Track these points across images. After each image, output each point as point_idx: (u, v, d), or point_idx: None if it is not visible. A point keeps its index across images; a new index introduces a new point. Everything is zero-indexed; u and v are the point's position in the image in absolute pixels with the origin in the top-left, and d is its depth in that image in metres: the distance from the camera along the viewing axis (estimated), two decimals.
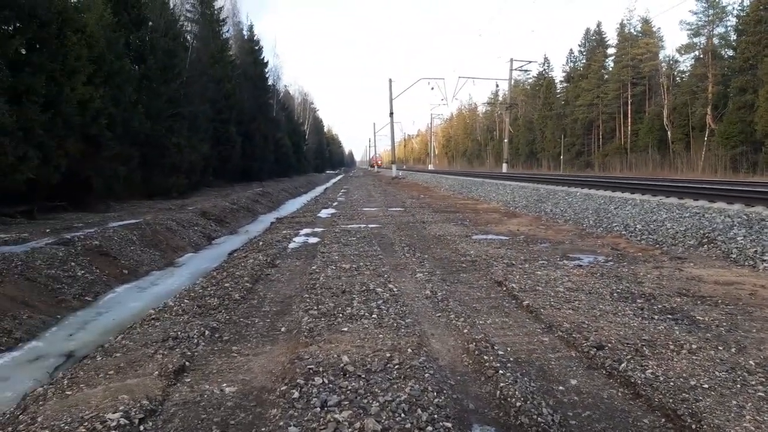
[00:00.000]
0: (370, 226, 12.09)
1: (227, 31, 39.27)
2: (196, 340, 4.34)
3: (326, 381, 3.41)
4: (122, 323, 6.54)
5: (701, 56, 50.96)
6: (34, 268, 8.50)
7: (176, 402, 3.28)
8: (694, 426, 2.87)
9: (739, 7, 47.24)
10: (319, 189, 40.99)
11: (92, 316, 7.67)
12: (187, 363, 3.86)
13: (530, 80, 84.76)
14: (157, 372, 3.62)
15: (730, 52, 48.11)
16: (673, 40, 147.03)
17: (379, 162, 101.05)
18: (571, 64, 74.74)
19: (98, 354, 4.24)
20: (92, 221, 13.43)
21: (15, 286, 7.78)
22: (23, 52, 13.88)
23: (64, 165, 14.20)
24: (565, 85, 76.61)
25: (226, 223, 17.92)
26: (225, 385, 3.52)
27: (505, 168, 44.72)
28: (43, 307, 7.54)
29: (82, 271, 9.16)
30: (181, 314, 5.22)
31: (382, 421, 2.91)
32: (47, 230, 11.54)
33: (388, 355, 3.85)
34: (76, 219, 13.77)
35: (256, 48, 46.55)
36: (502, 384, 3.38)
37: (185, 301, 5.75)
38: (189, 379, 3.63)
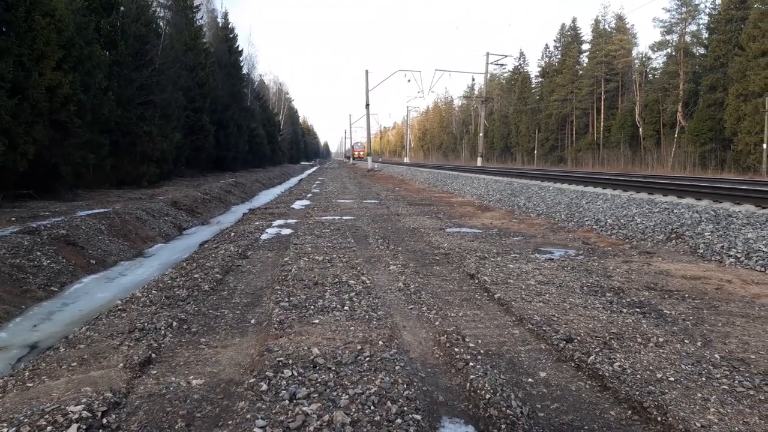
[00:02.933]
0: (345, 218, 12.04)
1: (201, 18, 38.59)
2: (163, 332, 4.25)
3: (296, 373, 3.37)
4: (88, 314, 6.41)
5: (673, 54, 51.88)
6: None
7: (141, 394, 3.21)
8: (659, 418, 2.91)
9: (711, 6, 48.19)
10: (294, 180, 40.73)
11: (58, 307, 7.50)
12: (153, 355, 3.79)
13: (506, 74, 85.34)
14: (122, 364, 3.54)
15: (702, 50, 49.08)
16: (646, 37, 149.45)
17: (361, 153, 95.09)
18: (547, 59, 75.41)
19: (62, 345, 4.12)
20: (60, 210, 13.12)
21: None
22: None
23: (32, 152, 13.81)
24: (540, 80, 77.31)
25: (198, 214, 17.69)
26: (192, 377, 3.45)
27: (479, 162, 44.95)
28: (6, 297, 7.33)
29: (48, 261, 8.95)
30: (148, 305, 5.11)
31: (351, 413, 2.89)
32: (12, 218, 11.24)
33: (359, 347, 3.82)
34: (43, 207, 13.44)
35: (231, 36, 45.88)
36: (472, 376, 3.38)
37: (153, 291, 5.63)
38: (155, 371, 3.56)
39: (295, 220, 11.72)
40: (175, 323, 4.46)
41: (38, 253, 9.09)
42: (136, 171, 21.84)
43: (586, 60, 67.54)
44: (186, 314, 4.76)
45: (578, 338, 4.07)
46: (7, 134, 12.85)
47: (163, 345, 4.02)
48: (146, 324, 4.40)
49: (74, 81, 15.76)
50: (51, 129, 14.83)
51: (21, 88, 13.57)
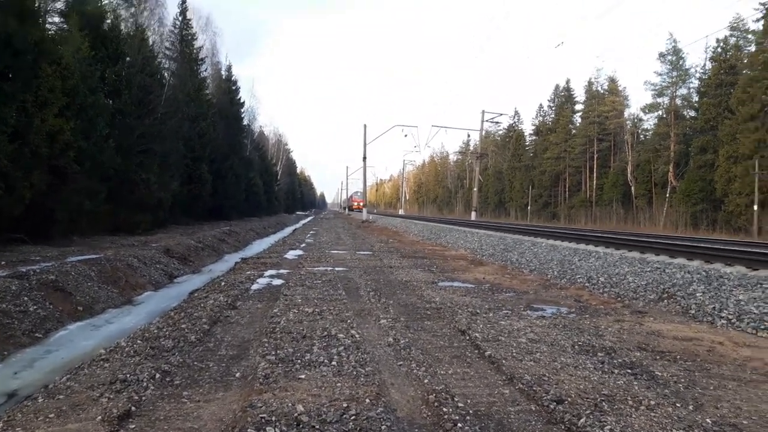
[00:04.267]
0: (337, 269, 11.99)
1: (205, 70, 39.48)
2: (145, 384, 4.15)
3: (278, 431, 3.28)
4: (71, 362, 6.29)
5: (664, 116, 53.11)
6: None
7: None
8: None
9: (702, 70, 49.70)
10: (288, 230, 40.72)
11: (41, 354, 7.37)
12: (133, 408, 3.68)
13: (501, 132, 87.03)
14: (100, 417, 3.44)
15: (692, 113, 50.32)
16: (638, 99, 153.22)
17: (361, 203, 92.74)
18: (541, 118, 77.14)
19: (40, 395, 4.01)
20: (51, 255, 13.04)
21: None
22: None
23: (29, 197, 13.84)
24: (534, 138, 78.79)
25: (190, 262, 17.60)
26: None
27: (473, 216, 45.19)
28: None
29: (35, 307, 8.84)
30: (132, 355, 5.01)
31: None
32: (2, 263, 11.15)
33: (345, 405, 3.74)
34: (35, 252, 13.34)
35: (233, 88, 46.84)
36: None
37: (138, 341, 5.53)
38: (134, 426, 3.45)
39: (287, 271, 11.66)
40: (158, 375, 4.36)
41: (25, 298, 8.99)
42: (132, 218, 21.85)
43: (579, 120, 69.06)
44: (170, 366, 4.66)
45: (569, 399, 3.99)
46: (5, 178, 12.91)
47: (144, 398, 3.92)
48: (128, 375, 4.30)
49: (76, 128, 15.98)
50: (49, 174, 14.92)
51: (22, 133, 13.73)
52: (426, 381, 4.39)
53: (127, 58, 22.21)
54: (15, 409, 3.74)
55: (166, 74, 29.23)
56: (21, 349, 7.46)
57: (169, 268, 15.55)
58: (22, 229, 14.65)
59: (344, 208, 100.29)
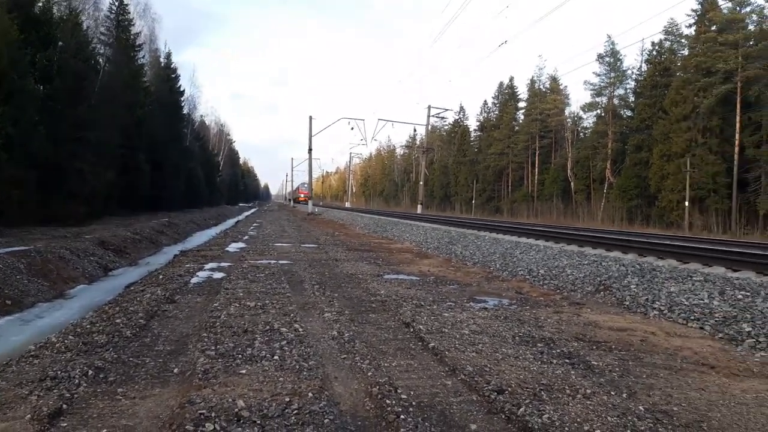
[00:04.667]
0: (281, 262, 11.82)
1: (143, 57, 38.15)
2: (77, 381, 3.96)
3: (218, 427, 3.18)
4: (1, 358, 5.95)
5: (603, 114, 55.05)
6: None
7: None
8: None
9: (638, 72, 51.75)
10: (231, 222, 39.94)
11: None
12: (64, 406, 3.50)
13: (446, 127, 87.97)
14: (29, 415, 3.26)
15: (629, 112, 52.39)
16: (578, 97, 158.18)
17: (306, 194, 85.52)
18: (485, 114, 78.51)
19: None
20: None
21: None
22: None
23: None
24: (478, 133, 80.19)
25: (126, 254, 17.02)
26: (105, 431, 3.20)
27: (419, 209, 45.59)
28: None
29: None
30: (63, 351, 4.77)
31: None
32: None
33: (287, 399, 3.68)
34: None
35: (173, 76, 45.47)
36: (402, 430, 3.31)
37: (70, 337, 5.26)
38: (65, 424, 3.28)
39: (229, 264, 11.41)
40: (91, 372, 4.17)
41: None
42: (65, 209, 20.89)
43: (522, 117, 70.70)
44: (104, 362, 4.46)
45: (509, 389, 4.06)
46: None
47: (76, 395, 3.73)
48: (59, 372, 4.09)
49: (3, 114, 15.11)
50: None
51: None
52: (370, 374, 4.38)
53: (60, 43, 21.17)
54: None
55: (101, 60, 28.03)
56: None
57: (104, 260, 14.99)
58: None
59: (289, 200, 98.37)
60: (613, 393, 4.09)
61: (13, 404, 3.49)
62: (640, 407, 3.80)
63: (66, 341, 5.09)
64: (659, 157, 41.57)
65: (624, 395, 4.05)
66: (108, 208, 26.80)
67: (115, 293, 9.45)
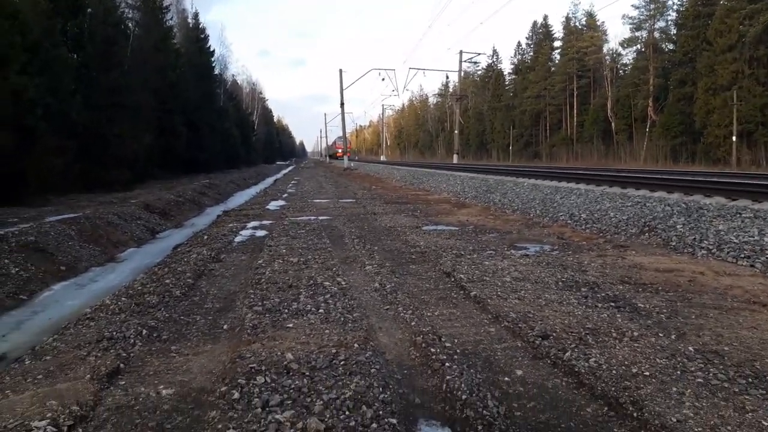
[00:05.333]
0: (321, 218, 11.94)
1: (171, 19, 38.06)
2: (132, 340, 4.13)
3: (269, 380, 3.29)
4: (58, 322, 6.22)
5: (643, 50, 52.72)
6: None
7: (109, 407, 3.09)
8: (635, 414, 2.90)
9: (679, 2, 49.08)
10: (269, 180, 40.36)
11: (27, 316, 7.30)
12: (122, 365, 3.67)
13: (480, 72, 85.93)
14: (89, 375, 3.42)
15: (671, 46, 49.97)
16: (616, 33, 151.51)
17: (342, 148, 79.12)
18: (519, 56, 76.11)
19: (27, 357, 3.97)
20: (28, 216, 12.78)
21: None
22: None
23: None
24: (513, 77, 77.96)
25: (171, 217, 17.40)
26: (162, 387, 3.35)
27: (455, 159, 45.12)
28: None
29: (17, 269, 8.71)
30: (117, 313, 4.97)
31: (326, 419, 2.83)
32: None
33: (333, 351, 3.76)
34: (11, 214, 13.06)
35: (202, 36, 45.34)
36: (448, 377, 3.35)
37: (123, 299, 5.48)
38: (123, 382, 3.44)
39: (270, 222, 11.59)
40: (144, 331, 4.34)
41: (6, 261, 8.84)
42: (108, 174, 21.40)
43: (558, 57, 68.32)
44: (156, 321, 4.63)
45: (554, 335, 4.05)
46: None
47: (132, 354, 3.90)
48: (115, 333, 4.27)
49: (41, 85, 15.40)
50: (17, 134, 14.45)
51: None
52: (413, 323, 4.43)
53: (89, 10, 21.23)
54: (2, 372, 3.70)
55: (130, 25, 28.09)
56: (6, 311, 7.38)
57: (150, 223, 15.37)
58: None
59: (325, 157, 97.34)
60: (661, 335, 4.04)
61: (73, 365, 3.67)
62: (690, 348, 3.75)
63: (119, 303, 5.30)
64: (704, 91, 39.77)
65: (672, 337, 4.00)
66: (149, 172, 27.36)
67: (163, 255, 9.73)
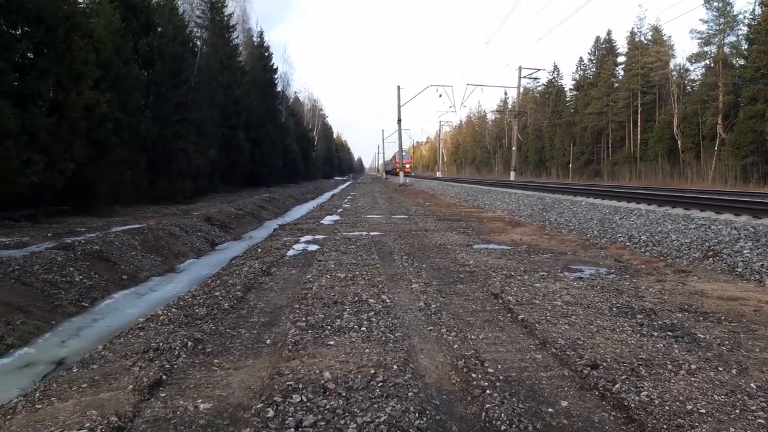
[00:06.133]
0: (372, 233, 11.96)
1: (237, 37, 39.44)
2: (177, 352, 4.22)
3: (304, 399, 3.27)
4: (116, 330, 6.44)
5: (712, 65, 50.56)
6: (32, 272, 8.46)
7: (147, 419, 3.15)
8: None
9: (751, 16, 46.82)
10: (326, 195, 40.93)
11: (87, 323, 7.60)
12: (164, 376, 3.74)
13: (539, 88, 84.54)
14: (131, 386, 3.50)
15: (742, 61, 47.66)
16: (683, 48, 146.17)
17: (406, 164, 74.53)
18: (581, 72, 74.34)
19: (75, 365, 4.12)
20: (95, 226, 13.41)
21: (10, 291, 7.73)
22: (30, 56, 13.93)
23: (70, 170, 14.19)
24: (574, 93, 76.22)
25: (231, 229, 17.86)
26: (200, 401, 3.39)
27: (512, 176, 44.44)
28: (38, 313, 7.47)
29: (80, 277, 9.11)
30: (167, 324, 5.10)
31: None
32: (49, 234, 11.51)
33: (372, 371, 3.71)
34: (79, 223, 13.75)
35: (266, 54, 46.72)
36: (488, 405, 3.23)
37: (173, 309, 5.63)
38: (164, 394, 3.51)
39: (323, 236, 11.70)
40: (190, 343, 4.42)
41: (71, 268, 9.27)
42: (172, 187, 22.28)
43: (622, 72, 66.33)
44: (202, 333, 4.72)
45: (604, 364, 3.86)
46: (46, 152, 13.25)
47: (175, 366, 3.98)
48: (161, 344, 4.37)
49: (112, 100, 16.23)
50: (89, 147, 15.25)
51: (60, 107, 14.03)
52: (456, 346, 4.32)
53: (159, 28, 22.31)
54: (50, 379, 3.85)
55: (198, 43, 29.28)
56: (68, 318, 7.71)
57: (210, 235, 15.81)
58: (67, 201, 15.12)
59: (381, 173, 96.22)
60: (721, 369, 3.79)
61: (117, 375, 3.77)
62: (752, 384, 3.50)
63: (170, 314, 5.44)
64: None
65: (733, 371, 3.74)
66: (212, 185, 28.31)
67: (220, 266, 9.96)
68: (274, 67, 48.69)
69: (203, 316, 5.31)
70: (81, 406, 3.20)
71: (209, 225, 16.83)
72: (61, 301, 8.08)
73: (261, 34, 47.25)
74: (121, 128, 16.93)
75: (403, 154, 75.87)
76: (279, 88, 51.68)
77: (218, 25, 34.31)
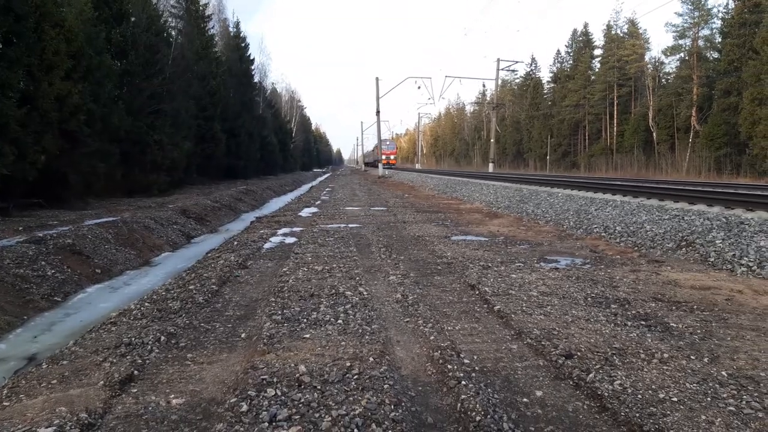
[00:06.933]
0: (350, 225, 11.92)
1: (212, 28, 38.85)
2: (150, 347, 4.14)
3: (279, 393, 3.24)
4: (89, 325, 6.32)
5: (686, 58, 51.31)
6: (2, 267, 8.28)
7: (118, 415, 3.09)
8: None
9: (724, 10, 47.56)
10: (305, 187, 40.72)
11: (60, 318, 7.46)
12: (136, 372, 3.67)
13: (517, 80, 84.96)
14: (102, 382, 3.43)
15: (715, 54, 48.45)
16: (659, 41, 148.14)
17: (391, 155, 73.51)
18: (558, 64, 74.93)
19: (44, 361, 4.02)
20: (68, 219, 13.15)
21: None
22: None
23: (41, 162, 13.86)
24: (552, 85, 76.83)
25: (207, 222, 17.66)
26: (173, 396, 3.33)
27: (491, 168, 44.66)
28: (8, 308, 7.31)
29: (53, 271, 8.93)
30: (140, 318, 5.01)
31: None
32: (20, 228, 11.26)
33: (348, 364, 3.69)
34: (52, 217, 13.47)
35: (242, 45, 46.13)
36: (463, 396, 3.23)
37: (146, 304, 5.53)
38: (135, 390, 3.44)
39: (300, 228, 11.62)
40: (163, 338, 4.35)
41: (43, 262, 9.08)
42: (147, 179, 21.91)
43: (599, 65, 66.99)
44: (176, 328, 4.65)
45: (578, 354, 3.89)
46: (17, 144, 12.91)
47: (147, 361, 3.90)
48: (134, 338, 4.29)
49: (84, 90, 15.87)
50: (60, 138, 14.90)
51: (30, 98, 13.68)
52: (432, 338, 4.32)
53: (132, 18, 21.83)
54: (19, 375, 3.76)
55: (172, 33, 28.76)
56: (40, 312, 7.55)
57: (186, 228, 15.61)
58: (39, 194, 14.77)
59: (367, 164, 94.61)
60: (693, 357, 3.84)
61: (88, 371, 3.69)
62: (723, 372, 3.55)
63: (143, 308, 5.35)
64: (750, 102, 38.26)
65: (705, 360, 3.80)
66: (188, 178, 27.92)
67: (196, 260, 9.84)
68: (251, 57, 48.11)
69: (177, 310, 5.23)
70: (50, 403, 3.12)
71: (185, 218, 16.62)
72: (32, 296, 7.91)
73: (237, 25, 46.68)
74: (94, 119, 16.56)
75: (387, 143, 74.77)
76: (256, 79, 51.08)
77: (193, 15, 33.75)
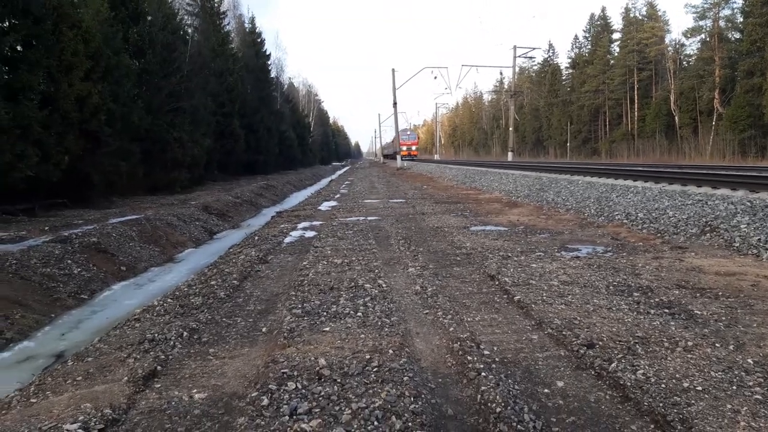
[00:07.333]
0: (369, 218, 11.93)
1: (228, 24, 39.00)
2: (172, 342, 4.20)
3: (299, 386, 3.26)
4: (115, 322, 6.43)
5: (707, 39, 50.22)
6: (29, 266, 8.44)
7: (141, 410, 3.15)
8: None
9: None
10: (324, 181, 40.83)
11: (86, 315, 7.59)
12: (159, 367, 3.73)
13: (535, 67, 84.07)
14: (126, 378, 3.49)
15: (737, 35, 47.32)
16: (679, 23, 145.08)
17: (413, 146, 71.11)
18: (576, 50, 73.88)
19: (70, 358, 4.11)
20: (93, 218, 13.37)
21: (8, 285, 7.71)
22: (19, 48, 13.77)
23: (64, 162, 14.10)
24: (570, 71, 75.81)
25: (229, 218, 17.81)
26: (195, 391, 3.38)
27: (510, 157, 44.28)
28: (36, 306, 7.46)
29: (79, 269, 9.09)
30: (163, 314, 5.09)
31: (353, 430, 2.77)
32: (46, 228, 11.48)
33: (367, 356, 3.70)
34: (77, 216, 13.70)
35: (258, 40, 46.27)
36: (483, 387, 3.22)
37: (169, 300, 5.61)
38: (159, 385, 3.50)
39: (320, 222, 11.67)
40: (185, 333, 4.41)
41: (69, 261, 9.24)
42: (168, 177, 22.17)
43: (618, 49, 65.92)
44: (198, 323, 4.71)
45: (600, 343, 3.86)
46: (40, 145, 13.16)
47: (170, 356, 3.97)
48: (157, 334, 4.36)
49: (103, 90, 16.08)
50: (82, 139, 15.14)
51: (51, 99, 13.90)
52: (452, 329, 4.31)
53: (149, 17, 22.02)
54: (46, 373, 3.84)
55: (188, 30, 28.94)
56: (67, 310, 7.69)
57: (208, 224, 15.76)
58: (63, 194, 15.04)
59: (382, 157, 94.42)
60: (717, 345, 3.78)
61: (112, 367, 3.76)
62: (749, 360, 3.49)
63: (165, 304, 5.42)
64: None
65: (730, 347, 3.73)
66: (209, 174, 28.19)
67: (218, 255, 9.93)
68: (267, 52, 48.26)
69: (199, 305, 5.29)
70: (75, 399, 3.19)
71: (207, 214, 16.77)
72: (60, 294, 8.05)
73: (252, 20, 46.85)
74: (114, 119, 16.79)
75: (408, 133, 73.23)
76: (273, 74, 51.27)
77: (208, 12, 33.92)
